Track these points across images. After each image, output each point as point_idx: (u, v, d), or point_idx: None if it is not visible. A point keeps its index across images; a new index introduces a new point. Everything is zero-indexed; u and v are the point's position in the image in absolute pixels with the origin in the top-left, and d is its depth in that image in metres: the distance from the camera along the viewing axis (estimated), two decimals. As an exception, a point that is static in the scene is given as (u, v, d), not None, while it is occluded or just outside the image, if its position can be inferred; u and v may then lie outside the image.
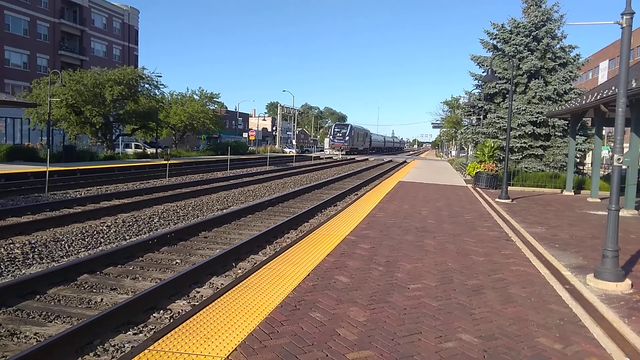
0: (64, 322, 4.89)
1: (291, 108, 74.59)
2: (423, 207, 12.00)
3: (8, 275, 6.49)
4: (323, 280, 5.34)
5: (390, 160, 50.57)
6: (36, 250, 7.69)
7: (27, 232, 8.92)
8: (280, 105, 71.73)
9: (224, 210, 12.55)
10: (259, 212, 12.49)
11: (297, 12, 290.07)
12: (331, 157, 53.93)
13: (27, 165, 20.93)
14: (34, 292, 5.62)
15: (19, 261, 7.11)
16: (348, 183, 21.85)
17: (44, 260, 7.28)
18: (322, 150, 66.00)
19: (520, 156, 22.87)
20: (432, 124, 71.94)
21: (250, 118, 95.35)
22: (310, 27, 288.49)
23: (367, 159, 52.05)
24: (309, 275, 5.51)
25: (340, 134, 65.60)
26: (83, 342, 4.27)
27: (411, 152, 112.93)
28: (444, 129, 65.72)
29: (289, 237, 9.52)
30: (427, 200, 13.58)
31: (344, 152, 61.07)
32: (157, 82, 36.22)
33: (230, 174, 22.74)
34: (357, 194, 16.94)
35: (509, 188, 15.93)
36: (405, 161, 48.66)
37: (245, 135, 70.65)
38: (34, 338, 4.49)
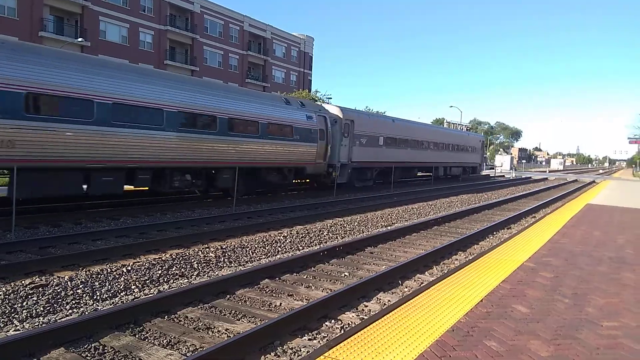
0: (250, 321, 5.43)
1: (458, 124, 72.11)
2: (619, 235, 10.38)
3: (204, 275, 7.49)
4: (498, 308, 4.97)
5: (575, 180, 45.35)
6: (226, 254, 8.73)
7: (220, 238, 10.19)
8: (447, 122, 69.95)
9: (389, 227, 12.63)
10: (424, 230, 12.26)
11: (467, 33, 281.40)
12: (503, 175, 50.42)
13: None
14: (225, 291, 6.37)
15: (213, 263, 8.15)
16: (523, 204, 20.11)
17: (232, 264, 8.24)
18: (492, 168, 61.66)
19: None
20: (628, 139, 61.87)
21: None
22: (483, 45, 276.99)
23: (546, 179, 47.47)
24: (481, 301, 5.19)
25: None
26: (265, 342, 4.68)
27: (601, 171, 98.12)
28: (645, 145, 56.35)
29: (457, 259, 9.14)
30: (623, 227, 11.71)
31: None
32: (328, 103, 38.65)
33: (394, 192, 22.82)
34: (534, 217, 15.48)
35: None
36: (593, 181, 43.05)
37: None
38: (225, 333, 5.07)
